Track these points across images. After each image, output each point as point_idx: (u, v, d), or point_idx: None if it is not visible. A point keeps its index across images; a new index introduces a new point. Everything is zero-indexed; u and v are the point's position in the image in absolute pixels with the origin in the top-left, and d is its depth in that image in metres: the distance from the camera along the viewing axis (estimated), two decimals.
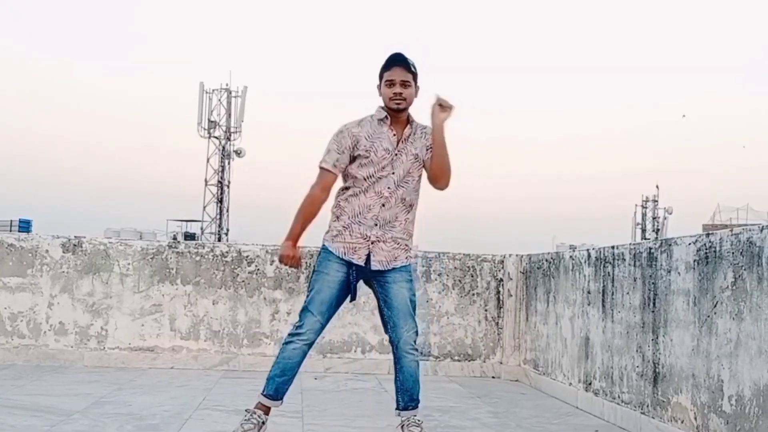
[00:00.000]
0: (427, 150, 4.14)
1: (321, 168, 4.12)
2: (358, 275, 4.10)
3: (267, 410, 4.07)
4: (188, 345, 6.95)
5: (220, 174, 44.47)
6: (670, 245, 4.48)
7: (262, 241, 7.20)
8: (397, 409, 4.19)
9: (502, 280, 7.32)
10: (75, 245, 6.91)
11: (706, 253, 4.07)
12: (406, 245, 4.15)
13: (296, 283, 7.09)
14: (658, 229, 53.09)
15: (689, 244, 4.27)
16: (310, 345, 4.08)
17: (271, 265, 7.08)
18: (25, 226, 38.31)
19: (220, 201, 44.51)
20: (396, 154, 4.07)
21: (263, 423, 4.03)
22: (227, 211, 44.82)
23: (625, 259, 5.04)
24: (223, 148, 43.46)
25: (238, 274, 7.04)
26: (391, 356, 6.99)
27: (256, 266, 7.08)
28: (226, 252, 7.12)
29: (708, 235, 4.12)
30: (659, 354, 4.51)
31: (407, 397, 4.19)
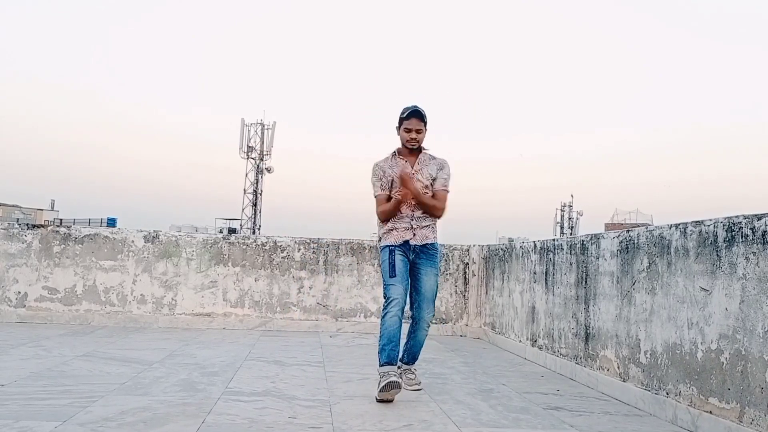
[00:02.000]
0: (433, 178, 4.05)
1: (376, 196, 4.07)
2: (402, 254, 3.96)
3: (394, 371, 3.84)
4: (236, 311, 6.83)
5: (255, 185, 44.23)
6: (598, 238, 4.40)
7: (287, 234, 7.09)
8: (400, 361, 4.06)
9: (468, 263, 7.21)
10: (153, 237, 6.77)
11: (626, 244, 3.99)
12: (433, 227, 4.06)
13: (316, 266, 6.98)
14: (572, 227, 53.17)
15: (613, 237, 4.18)
16: (403, 312, 3.89)
17: (298, 252, 6.96)
18: (111, 222, 37.88)
19: (255, 205, 44.27)
20: (412, 175, 4.00)
21: (400, 376, 3.89)
22: (260, 212, 44.60)
23: (563, 249, 4.95)
24: (258, 166, 43.25)
25: (273, 259, 6.92)
26: None
27: (287, 253, 6.95)
28: (265, 242, 7.00)
29: (628, 231, 4.04)
30: (590, 319, 4.42)
31: (410, 357, 4.12)
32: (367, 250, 7.08)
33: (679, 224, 3.41)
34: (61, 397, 3.38)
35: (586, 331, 4.46)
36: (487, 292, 6.84)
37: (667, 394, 3.45)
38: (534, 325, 5.45)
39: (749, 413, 2.83)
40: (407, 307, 3.96)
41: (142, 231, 6.78)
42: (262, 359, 4.96)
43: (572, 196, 55.72)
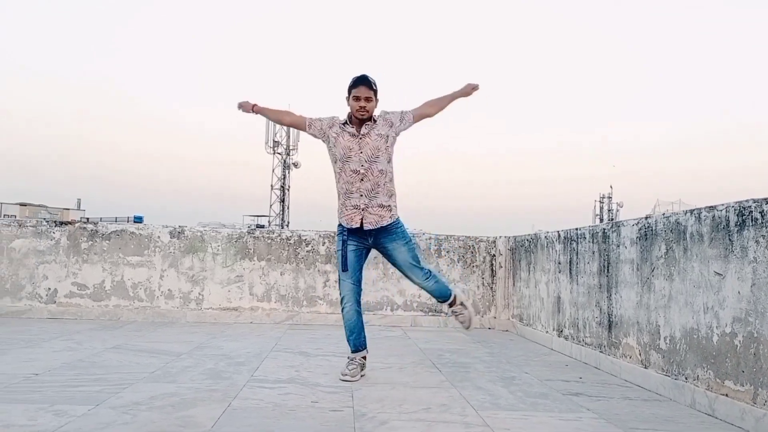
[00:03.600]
0: (392, 125, 4.14)
1: (304, 116, 4.26)
2: (357, 245, 4.14)
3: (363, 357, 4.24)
4: (263, 305, 7.09)
5: (282, 181, 44.70)
6: (618, 226, 4.54)
7: (315, 229, 7.33)
8: (443, 303, 4.37)
9: (494, 255, 7.38)
10: (179, 232, 7.07)
11: (645, 231, 4.13)
12: (389, 206, 4.12)
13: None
14: (612, 219, 52.71)
15: (633, 225, 4.32)
16: (358, 304, 4.19)
17: (323, 245, 7.19)
18: (138, 220, 38.77)
19: (282, 201, 44.75)
20: (361, 137, 4.08)
21: (363, 365, 4.21)
22: (287, 208, 45.07)
23: (585, 238, 5.10)
24: (284, 161, 43.70)
25: (299, 253, 7.16)
26: (413, 312, 7.16)
27: (312, 247, 7.19)
28: (290, 236, 7.24)
29: (647, 218, 4.18)
30: (612, 307, 4.57)
31: (440, 296, 4.32)
32: None
33: (694, 210, 3.55)
34: (93, 385, 3.65)
35: (609, 320, 4.61)
36: (514, 284, 7.00)
37: (686, 378, 3.60)
38: (560, 315, 5.60)
39: (762, 395, 2.97)
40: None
41: (167, 227, 7.07)
42: (287, 350, 5.20)
43: (611, 187, 55.22)
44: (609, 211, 53.22)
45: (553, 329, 5.75)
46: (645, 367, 4.07)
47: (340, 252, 4.16)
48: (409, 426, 3.04)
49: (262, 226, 45.03)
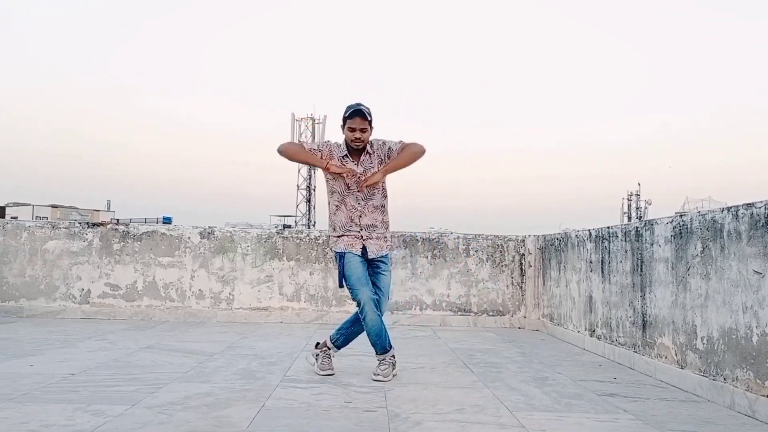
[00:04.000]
0: (387, 157, 4.16)
1: (304, 145, 4.30)
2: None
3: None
4: (292, 305, 7.10)
5: (308, 181, 44.89)
6: (652, 224, 4.47)
7: None
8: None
9: (524, 254, 7.32)
10: (209, 233, 7.11)
11: (680, 230, 4.06)
12: (386, 237, 4.25)
13: None
14: (640, 217, 52.07)
15: (667, 223, 4.25)
16: (377, 307, 4.15)
17: None
18: (167, 220, 39.21)
19: (309, 201, 44.94)
20: (358, 177, 4.15)
21: (395, 364, 4.21)
22: (313, 208, 45.27)
23: (618, 236, 5.02)
24: None
25: (327, 252, 7.17)
26: (441, 312, 7.13)
27: None
28: (318, 236, 7.25)
29: (681, 216, 4.10)
30: (646, 307, 4.50)
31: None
32: (420, 243, 7.26)
33: (731, 207, 3.47)
34: (129, 384, 3.68)
35: (643, 319, 4.54)
36: (544, 283, 6.93)
37: (725, 379, 3.52)
38: (592, 314, 5.53)
39: None
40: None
41: (197, 227, 7.11)
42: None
43: (639, 184, 54.52)
44: (637, 208, 52.61)
45: (585, 329, 5.68)
46: (681, 368, 3.99)
47: (345, 265, 4.14)
48: (443, 427, 3.01)
49: (289, 226, 45.28)
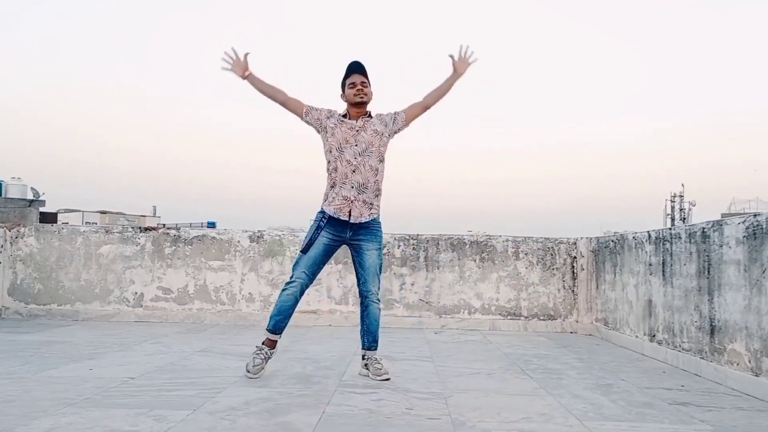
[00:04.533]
0: (386, 124, 4.09)
1: (302, 102, 4.18)
2: (331, 239, 4.04)
3: (272, 344, 4.11)
4: (340, 308, 7.01)
5: None
6: (721, 225, 4.25)
7: (390, 232, 7.19)
8: (362, 348, 4.21)
9: (575, 257, 7.10)
10: (258, 237, 7.06)
11: (753, 230, 3.84)
12: (371, 205, 4.06)
13: (417, 262, 7.06)
14: (684, 218, 50.88)
15: (738, 223, 4.03)
16: (301, 293, 4.08)
17: (398, 248, 7.07)
18: (211, 225, 39.61)
19: None
20: (357, 130, 4.04)
21: (269, 357, 4.08)
22: None
23: (681, 238, 4.80)
24: None
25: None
26: (491, 316, 6.96)
27: (387, 249, 7.08)
28: None
29: (755, 215, 3.88)
30: (715, 311, 4.28)
31: (371, 338, 4.19)
32: (467, 246, 7.10)
33: None
34: (188, 389, 3.61)
35: (711, 324, 4.32)
36: (597, 287, 6.71)
37: None
38: (651, 319, 5.31)
39: None
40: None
41: (247, 231, 7.07)
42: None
43: (683, 185, 53.39)
44: (681, 210, 51.37)
45: (644, 333, 5.46)
46: (756, 375, 3.77)
47: (310, 236, 4.06)
48: None
49: None
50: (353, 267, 4.25)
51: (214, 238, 7.05)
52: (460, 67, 4.21)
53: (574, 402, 3.58)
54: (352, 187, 4.02)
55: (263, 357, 4.06)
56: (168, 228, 7.20)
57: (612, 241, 6.31)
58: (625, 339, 5.84)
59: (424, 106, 4.21)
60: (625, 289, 5.89)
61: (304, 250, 4.05)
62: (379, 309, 4.20)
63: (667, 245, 5.02)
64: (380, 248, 4.14)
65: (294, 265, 4.10)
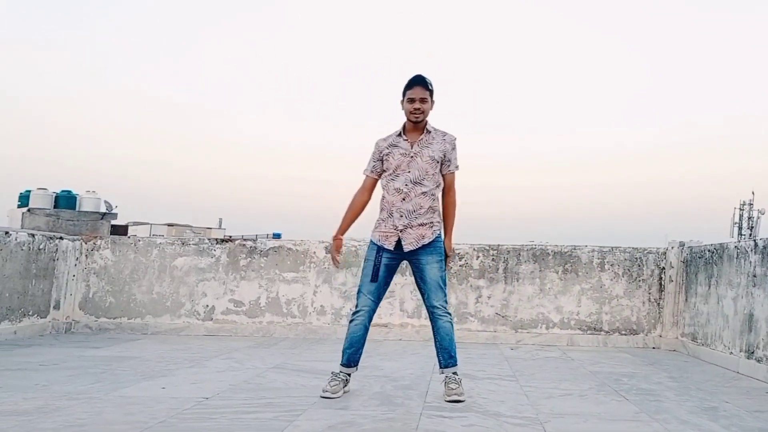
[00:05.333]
0: (444, 156, 3.86)
1: (364, 174, 3.99)
2: (390, 258, 3.85)
3: (349, 373, 3.92)
4: (412, 322, 6.76)
5: None
6: None
7: (468, 242, 6.89)
8: (440, 367, 3.90)
9: (664, 268, 6.65)
10: None
11: None
12: (431, 224, 3.83)
13: (495, 273, 6.76)
14: (752, 227, 48.65)
15: None
16: (369, 321, 3.87)
17: (476, 259, 6.77)
18: (277, 236, 39.87)
19: None
20: (411, 156, 3.82)
21: (347, 381, 3.89)
22: None
23: None
24: None
25: (451, 267, 6.77)
26: (569, 331, 6.60)
27: (465, 260, 6.79)
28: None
29: None
30: None
31: (446, 354, 3.87)
32: (550, 257, 6.75)
33: None
34: (265, 411, 3.42)
35: None
36: (687, 299, 6.25)
37: None
38: (751, 334, 4.87)
39: None
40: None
41: (323, 242, 6.89)
42: None
43: (753, 193, 50.98)
44: (749, 218, 49.13)
45: (740, 350, 5.02)
46: None
47: (371, 262, 3.86)
48: None
49: None
50: (415, 283, 4.00)
51: (290, 249, 6.90)
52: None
53: (681, 428, 3.24)
54: (402, 216, 3.83)
55: (339, 380, 3.86)
56: (244, 239, 7.09)
57: (708, 250, 5.86)
58: (717, 356, 5.40)
59: (443, 194, 3.97)
60: (721, 301, 5.44)
61: (365, 276, 3.89)
62: (450, 323, 3.90)
63: None
64: (441, 260, 3.88)
65: (357, 293, 3.93)
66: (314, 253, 6.86)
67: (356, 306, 3.90)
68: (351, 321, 3.90)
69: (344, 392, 3.85)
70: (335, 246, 3.99)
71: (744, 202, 49.69)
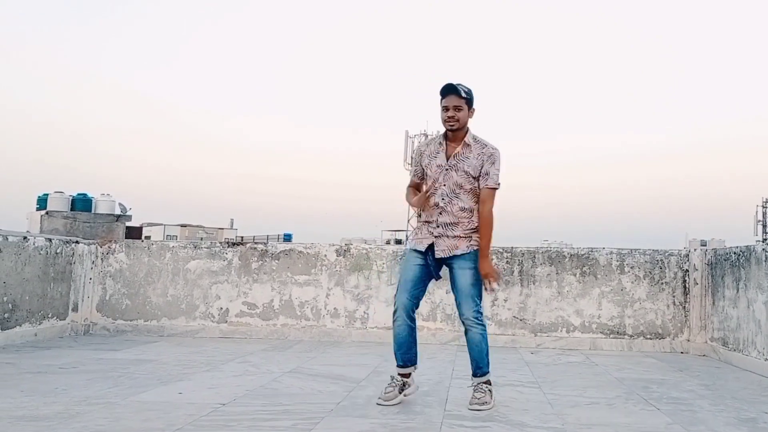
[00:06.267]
0: (481, 170, 3.68)
1: (412, 179, 3.95)
2: (423, 259, 3.75)
3: (406, 375, 3.79)
4: (428, 325, 6.61)
5: None
6: None
7: None
8: (472, 376, 3.78)
9: (687, 270, 6.46)
10: (345, 250, 6.77)
11: None
12: (468, 236, 3.69)
13: (511, 276, 6.60)
14: None
15: None
16: (410, 319, 3.75)
17: (492, 262, 6.62)
18: (287, 237, 39.85)
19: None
20: (447, 170, 3.70)
21: (404, 385, 3.78)
22: None
23: None
24: None
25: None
26: (591, 335, 6.43)
27: None
28: None
29: None
30: None
31: (474, 365, 3.76)
32: (567, 259, 6.58)
33: None
34: (283, 418, 3.29)
35: None
36: (714, 303, 6.07)
37: None
38: None
39: None
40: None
41: (334, 245, 6.79)
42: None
43: None
44: None
45: None
46: None
47: (404, 261, 3.85)
48: None
49: (400, 241, 45.15)
50: (452, 291, 3.87)
51: (300, 252, 6.79)
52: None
53: None
54: (438, 226, 3.72)
55: (394, 385, 3.75)
56: (255, 242, 7.00)
57: (734, 253, 5.67)
58: (751, 362, 5.21)
59: (479, 205, 3.75)
60: (751, 306, 5.26)
61: (400, 276, 3.82)
62: (481, 334, 3.74)
63: None
64: (475, 267, 3.70)
65: (396, 294, 3.83)
66: (325, 255, 6.75)
67: (394, 305, 3.81)
68: (393, 322, 3.82)
69: (404, 396, 3.75)
70: (426, 196, 3.79)
71: (766, 199, 48.98)
